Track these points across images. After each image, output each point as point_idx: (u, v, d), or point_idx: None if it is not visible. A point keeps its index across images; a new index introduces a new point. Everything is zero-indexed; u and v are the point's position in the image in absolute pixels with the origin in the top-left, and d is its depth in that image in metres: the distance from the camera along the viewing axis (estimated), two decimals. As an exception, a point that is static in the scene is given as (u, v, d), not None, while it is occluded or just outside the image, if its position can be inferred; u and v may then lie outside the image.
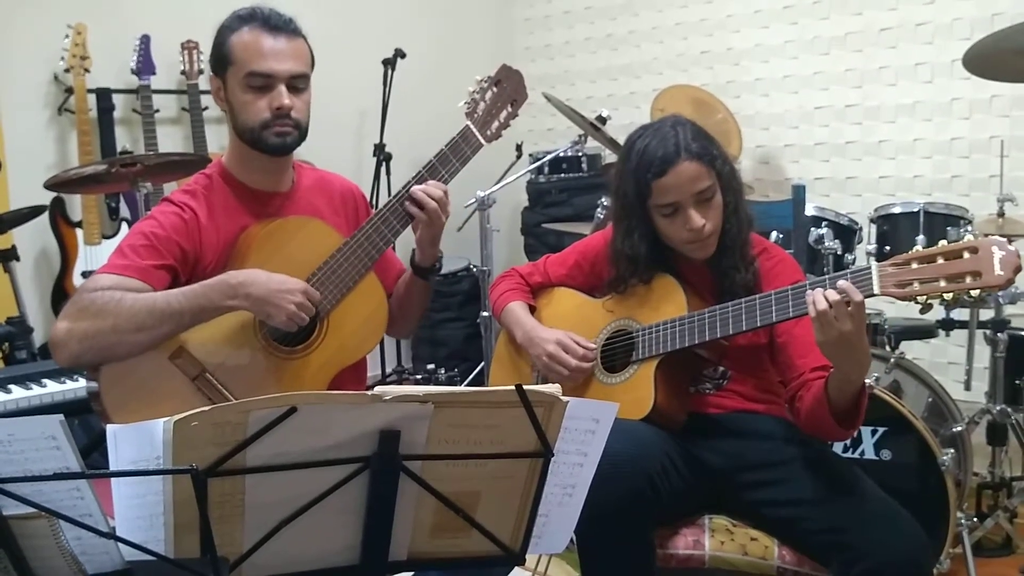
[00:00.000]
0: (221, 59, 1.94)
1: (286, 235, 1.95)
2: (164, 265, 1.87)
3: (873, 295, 1.67)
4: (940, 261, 1.62)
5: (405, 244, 2.07)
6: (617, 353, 2.08)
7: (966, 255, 1.60)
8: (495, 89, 2.18)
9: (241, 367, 1.89)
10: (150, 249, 1.87)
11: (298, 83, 1.94)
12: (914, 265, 1.65)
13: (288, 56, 1.92)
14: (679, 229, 1.96)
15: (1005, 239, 1.60)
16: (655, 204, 1.96)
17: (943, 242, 1.66)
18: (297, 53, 1.94)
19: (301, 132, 1.96)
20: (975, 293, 1.60)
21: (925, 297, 1.63)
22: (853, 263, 2.99)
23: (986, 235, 1.96)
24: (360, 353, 2.05)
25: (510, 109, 2.19)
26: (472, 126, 2.12)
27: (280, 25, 1.93)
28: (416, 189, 2.00)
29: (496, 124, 2.17)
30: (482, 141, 2.13)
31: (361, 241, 1.98)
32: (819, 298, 1.66)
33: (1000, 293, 2.77)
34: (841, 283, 1.67)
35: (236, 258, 1.92)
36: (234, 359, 1.88)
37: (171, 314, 1.79)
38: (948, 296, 1.61)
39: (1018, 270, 1.57)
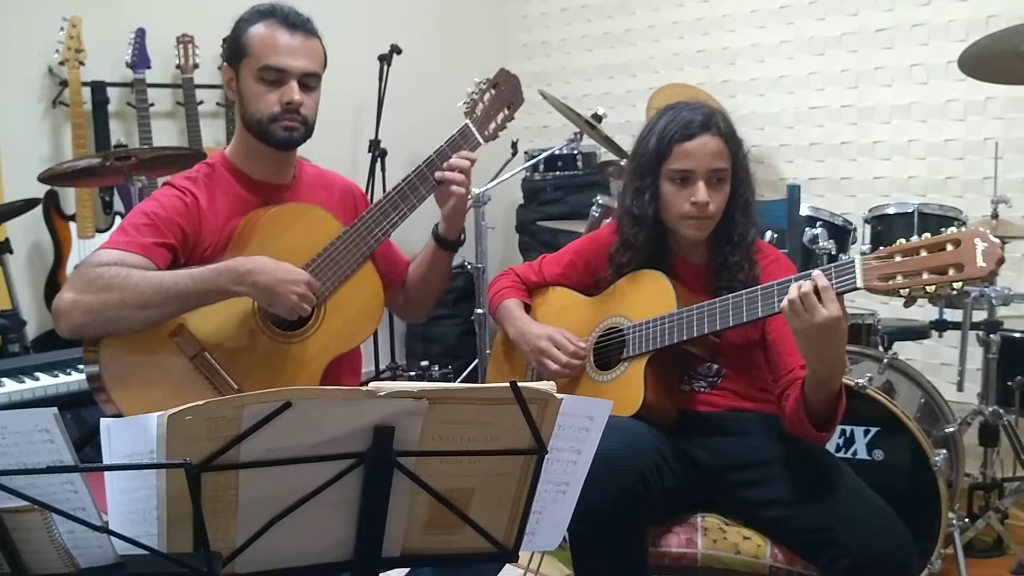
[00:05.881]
0: (237, 50, 1.98)
1: (287, 221, 1.98)
2: (165, 243, 1.89)
3: (856, 288, 1.67)
4: (923, 254, 1.61)
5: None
6: (611, 351, 2.08)
7: (949, 247, 1.59)
8: (493, 91, 2.23)
9: (239, 348, 1.91)
10: (151, 228, 1.89)
11: (309, 81, 1.99)
12: (897, 258, 1.64)
13: (302, 54, 1.97)
14: (683, 200, 1.97)
15: (988, 231, 1.58)
16: (669, 168, 1.97)
17: (927, 235, 1.64)
18: (311, 52, 1.99)
19: (308, 129, 2.01)
20: (958, 286, 1.58)
21: (908, 290, 1.62)
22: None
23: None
24: (356, 341, 2.07)
25: (507, 112, 2.25)
26: (471, 125, 2.17)
27: (298, 23, 1.98)
28: (447, 163, 2.08)
29: (493, 125, 2.22)
30: (480, 140, 2.17)
31: (360, 230, 2.02)
32: (792, 289, 1.68)
33: (993, 295, 2.78)
34: (814, 272, 1.68)
35: (237, 242, 1.95)
36: (233, 340, 1.91)
37: (177, 294, 1.81)
38: (931, 289, 1.60)
39: (1000, 262, 1.56)
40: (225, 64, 2.03)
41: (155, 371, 1.83)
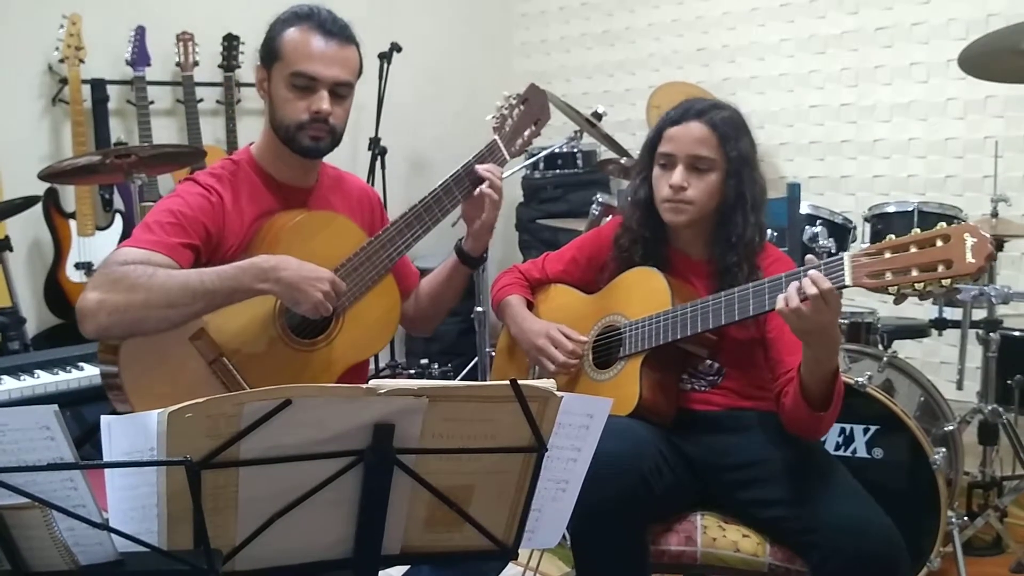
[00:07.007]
0: (271, 52, 1.95)
1: (313, 228, 1.97)
2: (190, 244, 1.87)
3: (845, 287, 1.65)
4: (913, 250, 1.59)
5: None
6: (609, 349, 2.08)
7: (939, 243, 1.57)
8: (522, 107, 2.21)
9: (258, 355, 1.91)
10: (177, 227, 1.87)
11: (340, 90, 1.95)
12: (887, 255, 1.62)
13: (336, 62, 1.93)
14: (663, 184, 2.00)
15: (977, 226, 1.56)
16: (658, 152, 2.01)
17: (916, 230, 1.62)
18: (346, 61, 1.95)
19: (335, 138, 1.98)
20: (947, 283, 1.55)
21: (897, 288, 1.60)
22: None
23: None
24: (371, 351, 2.07)
25: (534, 128, 2.23)
26: (499, 140, 2.15)
27: (335, 30, 1.94)
28: (481, 168, 2.06)
29: (520, 141, 2.20)
30: (507, 156, 2.16)
31: (383, 242, 2.01)
32: (792, 295, 1.67)
33: (992, 294, 2.78)
34: (813, 273, 1.67)
35: (262, 245, 1.93)
36: (251, 346, 1.90)
37: (203, 293, 1.79)
38: (920, 286, 1.57)
39: (990, 258, 1.54)
40: (259, 64, 2.00)
41: (173, 374, 1.82)
